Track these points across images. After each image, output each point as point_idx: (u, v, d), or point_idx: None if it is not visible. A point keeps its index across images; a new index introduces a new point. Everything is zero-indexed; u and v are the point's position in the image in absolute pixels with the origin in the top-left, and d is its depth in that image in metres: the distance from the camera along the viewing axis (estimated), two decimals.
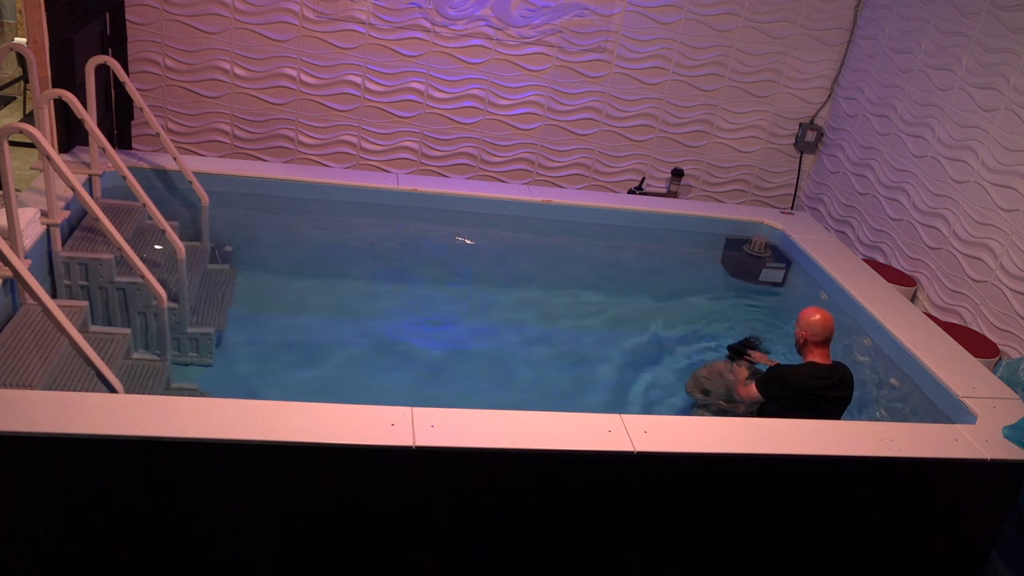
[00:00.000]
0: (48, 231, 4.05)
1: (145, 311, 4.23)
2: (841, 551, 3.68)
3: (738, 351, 4.78)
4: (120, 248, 3.83)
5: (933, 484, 3.57)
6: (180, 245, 4.20)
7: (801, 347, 4.09)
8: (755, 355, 4.73)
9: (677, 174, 6.65)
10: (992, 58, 5.06)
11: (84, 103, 4.31)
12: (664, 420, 3.47)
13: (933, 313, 5.23)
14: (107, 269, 4.14)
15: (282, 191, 5.42)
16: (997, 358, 4.64)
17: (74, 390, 3.42)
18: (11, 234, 3.55)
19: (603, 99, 6.48)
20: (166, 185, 5.17)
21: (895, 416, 4.32)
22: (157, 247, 4.58)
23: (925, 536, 3.71)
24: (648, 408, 4.45)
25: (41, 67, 4.43)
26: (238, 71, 6.00)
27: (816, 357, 4.03)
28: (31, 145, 4.52)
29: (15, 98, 8.06)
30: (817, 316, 4.02)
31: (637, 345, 5.08)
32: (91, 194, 4.68)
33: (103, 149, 4.25)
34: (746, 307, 5.64)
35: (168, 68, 5.93)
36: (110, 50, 5.50)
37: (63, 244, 4.16)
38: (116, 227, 3.86)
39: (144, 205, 4.25)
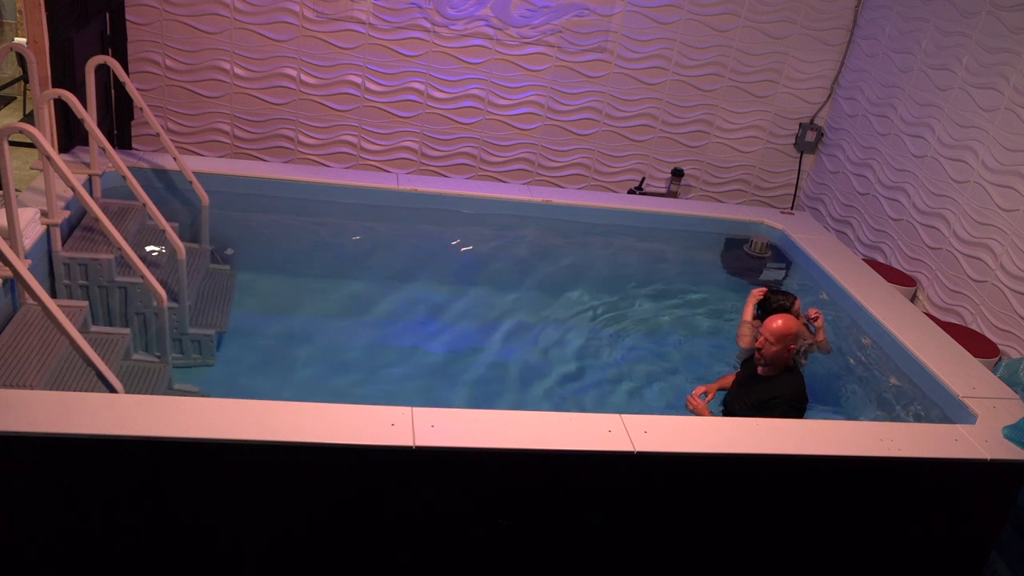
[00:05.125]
0: (48, 231, 4.05)
1: (145, 311, 4.23)
2: (841, 551, 3.68)
3: (780, 308, 4.39)
4: (120, 248, 3.83)
5: (933, 484, 3.57)
6: (180, 245, 4.20)
7: (787, 360, 3.95)
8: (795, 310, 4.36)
9: (677, 174, 6.65)
10: (992, 58, 5.06)
11: (84, 103, 4.31)
12: (664, 420, 3.47)
13: (933, 313, 5.23)
14: (107, 269, 4.13)
15: (282, 191, 5.42)
16: (997, 358, 4.64)
17: (74, 390, 3.42)
18: (11, 234, 3.55)
19: (603, 99, 6.48)
20: (166, 185, 5.17)
21: (895, 416, 4.32)
22: (157, 247, 4.58)
23: (925, 536, 3.71)
24: (648, 408, 4.45)
25: (41, 67, 4.43)
26: (238, 71, 6.00)
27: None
28: (31, 145, 4.52)
29: (15, 98, 8.06)
30: (791, 323, 3.87)
31: (637, 345, 5.08)
32: (91, 194, 4.67)
33: (103, 149, 4.25)
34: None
35: (168, 68, 5.93)
36: (110, 50, 5.50)
37: (63, 244, 4.16)
38: (116, 227, 3.86)
39: (144, 205, 4.25)
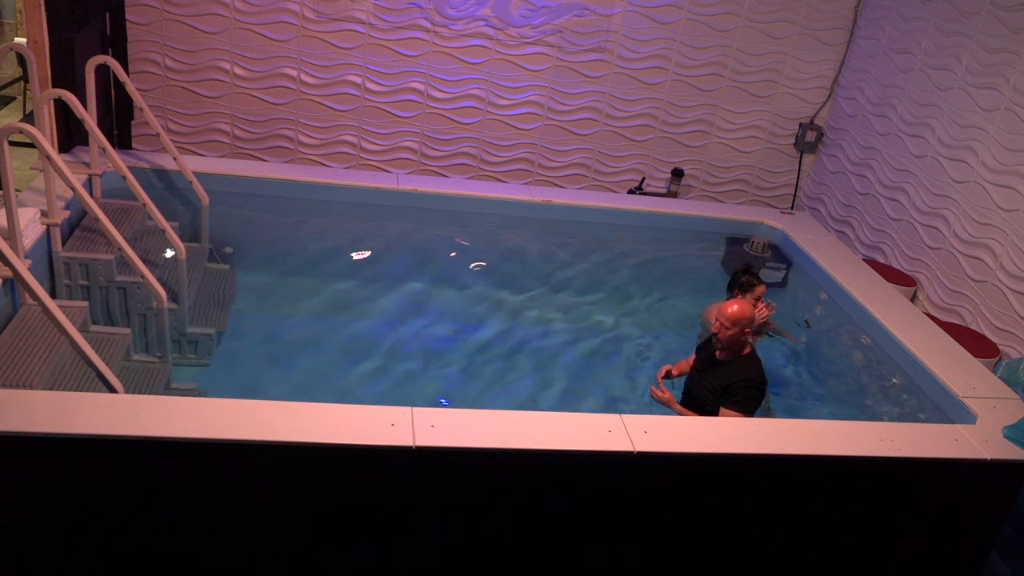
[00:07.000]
0: (48, 231, 4.06)
1: (145, 311, 4.23)
2: (841, 550, 3.68)
3: (745, 283, 4.51)
4: (120, 248, 3.83)
5: (933, 484, 3.57)
6: (180, 245, 4.21)
7: (743, 343, 4.00)
8: (759, 290, 4.50)
9: (677, 174, 6.65)
10: (992, 58, 5.06)
11: (84, 103, 4.31)
12: (664, 420, 3.47)
13: (933, 313, 5.23)
14: (107, 269, 4.14)
15: (282, 191, 5.42)
16: (997, 358, 4.64)
17: (74, 390, 3.42)
18: (11, 234, 3.55)
19: (603, 99, 6.48)
20: (166, 185, 5.18)
21: (895, 416, 4.32)
22: (157, 247, 4.59)
23: (925, 536, 3.71)
24: (648, 408, 4.45)
25: (41, 67, 4.43)
26: (238, 71, 6.00)
27: (749, 344, 4.03)
28: (31, 145, 4.52)
29: (15, 98, 8.07)
30: (746, 307, 3.95)
31: (637, 345, 5.08)
32: (91, 194, 4.68)
33: (103, 149, 4.25)
34: None
35: (168, 68, 5.93)
36: (110, 50, 5.50)
37: (63, 244, 4.16)
38: (116, 227, 3.86)
39: (144, 205, 4.25)
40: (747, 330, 3.94)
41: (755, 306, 4.38)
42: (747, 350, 4.02)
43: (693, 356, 4.45)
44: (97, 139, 4.27)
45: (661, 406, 4.18)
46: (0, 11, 9.59)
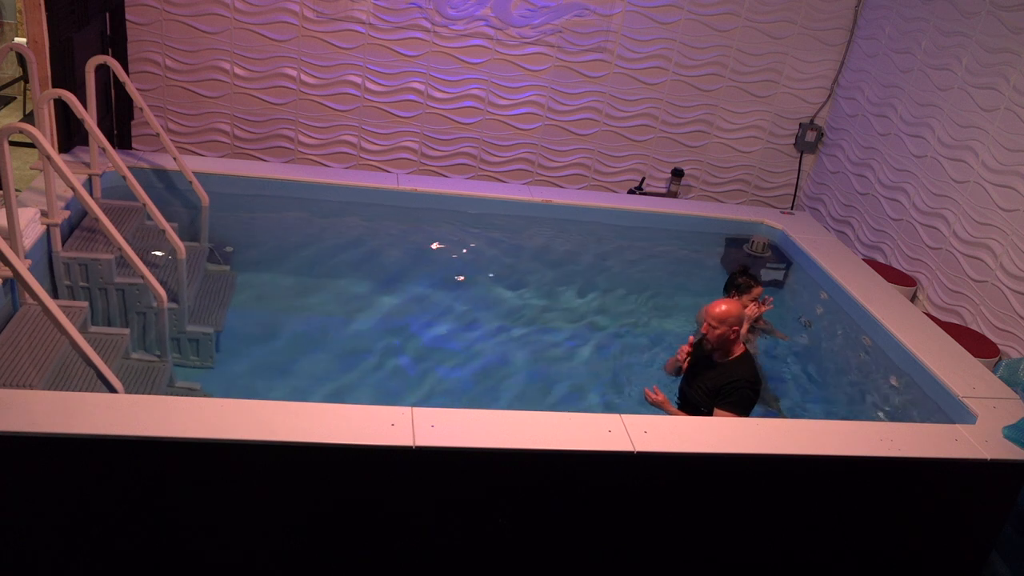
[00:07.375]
0: (48, 231, 4.05)
1: (145, 311, 4.23)
2: (841, 550, 3.68)
3: (743, 284, 4.62)
4: (120, 248, 3.83)
5: (933, 484, 3.57)
6: (180, 245, 4.20)
7: (733, 343, 4.01)
8: (755, 291, 4.60)
9: (677, 174, 6.65)
10: (992, 58, 5.06)
11: (84, 103, 4.31)
12: (664, 420, 3.47)
13: (933, 313, 5.23)
14: (107, 269, 4.14)
15: (282, 191, 5.42)
16: (997, 358, 4.64)
17: (74, 390, 3.42)
18: (11, 234, 3.55)
19: (603, 99, 6.48)
20: (166, 185, 5.18)
21: (895, 416, 4.32)
22: (157, 247, 4.58)
23: (925, 536, 3.71)
24: (648, 408, 4.45)
25: (41, 67, 4.43)
26: (238, 71, 6.00)
27: (742, 345, 4.03)
28: (31, 145, 4.53)
29: (15, 98, 8.07)
30: (734, 306, 3.96)
31: (637, 345, 5.08)
32: (91, 194, 4.68)
33: (103, 149, 4.25)
34: None
35: (168, 68, 5.94)
36: (110, 50, 5.50)
37: (63, 244, 4.16)
38: (116, 227, 3.86)
39: (144, 205, 4.25)
40: (736, 328, 3.95)
41: (747, 306, 4.42)
42: (740, 350, 4.03)
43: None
44: (97, 139, 4.27)
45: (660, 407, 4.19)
46: (0, 11, 9.59)
